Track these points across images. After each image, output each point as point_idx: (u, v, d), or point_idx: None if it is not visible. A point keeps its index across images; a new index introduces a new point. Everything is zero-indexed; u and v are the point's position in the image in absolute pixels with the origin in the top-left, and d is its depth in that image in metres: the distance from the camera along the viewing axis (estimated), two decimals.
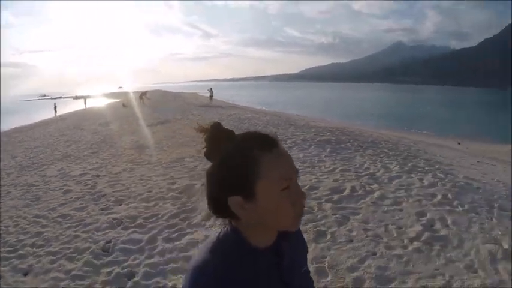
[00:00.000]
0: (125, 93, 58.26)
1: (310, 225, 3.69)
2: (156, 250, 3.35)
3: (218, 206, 0.79)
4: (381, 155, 6.98)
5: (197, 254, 0.81)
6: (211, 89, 29.87)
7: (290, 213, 0.76)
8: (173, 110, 19.83)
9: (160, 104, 25.93)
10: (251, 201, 0.75)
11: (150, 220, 4.02)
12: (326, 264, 2.99)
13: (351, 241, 3.37)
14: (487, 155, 10.89)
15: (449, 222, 3.77)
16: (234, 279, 0.75)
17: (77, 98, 73.24)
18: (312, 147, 7.62)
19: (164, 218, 4.02)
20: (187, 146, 8.45)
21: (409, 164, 6.22)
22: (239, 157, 0.76)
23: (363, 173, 5.56)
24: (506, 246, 3.28)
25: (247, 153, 0.76)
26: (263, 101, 46.60)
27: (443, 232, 3.55)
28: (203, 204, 4.18)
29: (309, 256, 3.09)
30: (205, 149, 0.86)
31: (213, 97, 29.43)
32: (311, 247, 3.25)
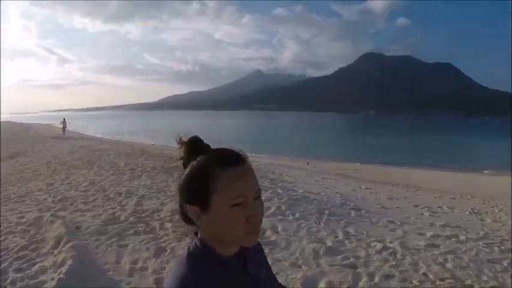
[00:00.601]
0: None
1: (153, 243, 3.90)
2: (8, 281, 3.34)
3: (183, 214, 0.86)
4: None
5: (172, 270, 0.83)
6: (64, 119, 28.71)
7: (241, 229, 0.79)
8: (24, 143, 17.78)
9: (11, 137, 22.73)
10: (206, 213, 0.80)
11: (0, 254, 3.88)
12: (165, 274, 3.15)
13: None
14: (332, 172, 12.73)
15: (279, 229, 4.34)
16: (213, 284, 0.80)
17: None
18: (161, 174, 7.84)
19: (14, 251, 3.93)
20: (36, 180, 7.91)
21: None
22: (199, 170, 0.82)
23: None
24: (329, 243, 3.96)
25: (207, 167, 0.81)
26: (120, 130, 45.59)
27: (273, 238, 4.06)
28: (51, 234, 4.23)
29: (150, 270, 3.28)
30: (182, 161, 0.89)
31: (67, 128, 28.38)
32: (151, 262, 3.45)
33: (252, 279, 0.89)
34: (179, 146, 0.89)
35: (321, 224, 4.78)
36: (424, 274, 3.32)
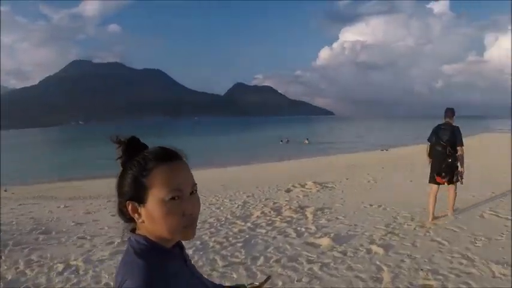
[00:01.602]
0: None
1: None
2: None
3: (122, 210, 0.87)
4: None
5: (127, 272, 0.80)
6: None
7: (177, 222, 0.81)
8: None
9: None
10: (143, 207, 0.82)
11: None
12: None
13: None
14: (32, 195, 11.31)
15: None
16: (170, 275, 0.82)
17: None
18: None
19: None
20: None
21: None
22: (137, 166, 0.84)
23: None
24: (9, 277, 3.84)
25: (144, 163, 0.83)
26: None
27: None
28: None
29: None
30: (120, 160, 0.88)
31: None
32: None
33: (190, 271, 0.93)
34: (117, 146, 0.88)
35: (2, 257, 4.46)
36: (106, 284, 3.68)
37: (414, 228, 5.24)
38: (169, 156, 0.85)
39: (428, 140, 5.82)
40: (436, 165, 5.62)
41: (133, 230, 0.88)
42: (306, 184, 8.80)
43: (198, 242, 4.85)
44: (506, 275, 3.72)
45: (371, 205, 6.63)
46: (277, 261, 4.16)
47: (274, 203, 7.12)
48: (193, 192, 0.86)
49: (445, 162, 5.50)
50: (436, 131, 5.64)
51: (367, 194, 7.69)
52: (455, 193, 5.71)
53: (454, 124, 5.62)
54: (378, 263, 4.04)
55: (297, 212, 6.29)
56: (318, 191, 8.11)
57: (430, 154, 5.74)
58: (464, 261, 4.05)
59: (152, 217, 0.82)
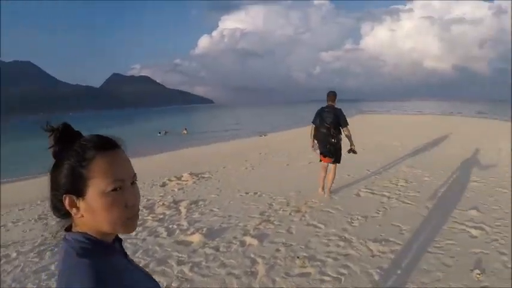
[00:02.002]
0: None
1: None
2: None
3: (57, 205, 0.81)
4: None
5: (71, 274, 0.73)
6: None
7: (120, 215, 0.78)
8: None
9: None
10: (83, 200, 0.78)
11: None
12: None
13: None
14: None
15: None
16: (118, 271, 0.79)
17: None
18: None
19: None
20: None
21: None
22: (75, 156, 0.78)
23: None
24: None
25: (83, 152, 0.78)
26: None
27: None
28: None
29: None
30: (52, 149, 0.80)
31: None
32: None
33: (132, 264, 0.89)
34: (49, 134, 0.81)
35: None
36: None
37: (289, 214, 5.25)
38: (109, 145, 0.81)
39: (313, 122, 6.00)
40: (321, 146, 5.87)
41: (68, 228, 0.83)
42: (182, 176, 8.41)
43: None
44: (385, 251, 3.82)
45: (247, 193, 6.63)
46: (146, 266, 3.75)
47: (148, 200, 6.60)
48: (134, 182, 0.83)
49: (330, 143, 5.74)
50: (320, 114, 5.83)
51: (244, 181, 7.70)
52: (335, 175, 6.02)
53: (336, 107, 5.86)
54: (252, 255, 3.90)
55: (170, 208, 5.91)
56: (194, 182, 7.81)
57: (315, 136, 5.95)
58: (341, 243, 4.07)
59: (92, 210, 0.78)
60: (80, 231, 0.80)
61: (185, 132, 29.13)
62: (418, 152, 10.75)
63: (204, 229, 4.77)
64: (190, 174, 8.55)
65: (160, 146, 18.85)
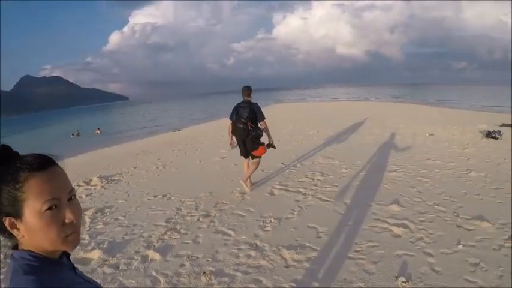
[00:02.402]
0: None
1: None
2: None
3: (1, 226, 0.81)
4: None
5: (14, 286, 0.76)
6: None
7: (58, 233, 0.80)
8: None
9: None
10: (21, 222, 0.79)
11: None
12: None
13: None
14: None
15: None
16: (64, 286, 0.82)
17: None
18: None
19: None
20: None
21: None
22: (10, 179, 0.78)
23: None
24: None
25: (17, 174, 0.78)
26: None
27: None
28: None
29: None
30: None
31: None
32: None
33: (82, 277, 0.91)
34: None
35: None
36: None
37: (198, 220, 5.00)
38: (41, 164, 0.82)
39: (230, 118, 6.02)
40: (239, 141, 5.99)
41: (16, 247, 0.84)
42: (92, 181, 8.29)
43: None
44: (300, 260, 3.54)
45: (155, 196, 6.50)
46: None
47: None
48: (72, 198, 0.85)
49: (247, 138, 5.82)
50: (237, 109, 5.88)
51: (154, 182, 7.67)
52: (256, 168, 6.08)
53: (252, 101, 5.91)
54: (153, 273, 3.59)
55: None
56: (103, 187, 7.74)
57: (233, 131, 6.02)
58: (252, 253, 3.78)
59: (31, 231, 0.79)
60: (25, 249, 0.82)
61: (98, 132, 27.76)
62: (334, 140, 10.69)
63: (106, 243, 4.48)
64: (100, 177, 8.48)
65: (72, 149, 17.95)
